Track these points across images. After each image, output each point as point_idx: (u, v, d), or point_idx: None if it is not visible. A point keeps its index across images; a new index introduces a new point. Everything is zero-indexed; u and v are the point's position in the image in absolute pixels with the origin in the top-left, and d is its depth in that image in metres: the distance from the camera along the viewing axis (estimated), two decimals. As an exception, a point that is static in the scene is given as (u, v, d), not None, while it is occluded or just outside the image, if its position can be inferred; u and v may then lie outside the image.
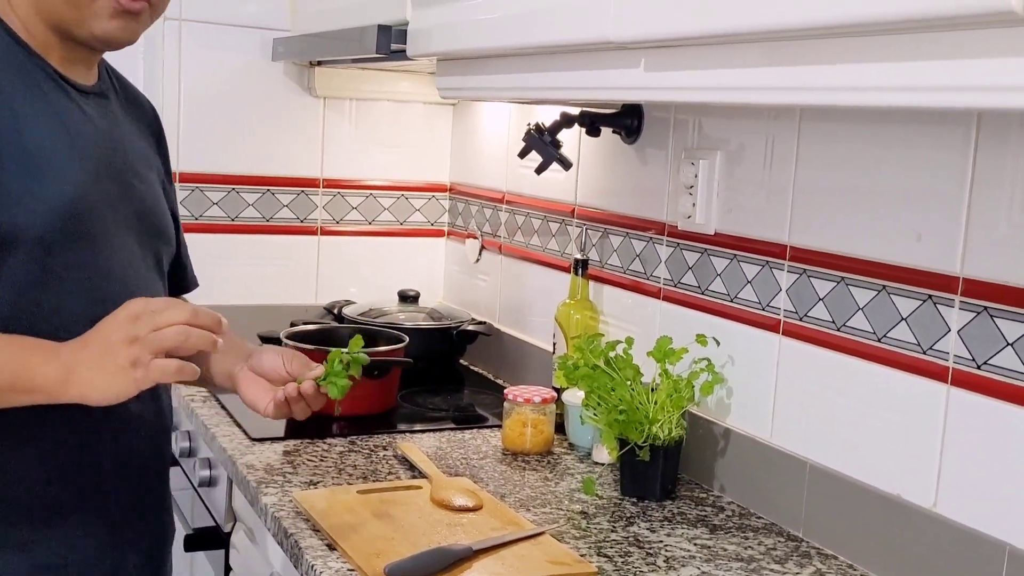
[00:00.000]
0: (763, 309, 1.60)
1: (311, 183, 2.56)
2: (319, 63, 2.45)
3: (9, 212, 1.18)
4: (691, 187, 1.72)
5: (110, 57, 1.41)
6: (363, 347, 1.39)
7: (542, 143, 1.87)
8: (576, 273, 1.95)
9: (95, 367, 1.13)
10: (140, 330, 1.13)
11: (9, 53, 1.25)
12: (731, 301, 1.67)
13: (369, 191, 2.62)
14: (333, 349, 1.38)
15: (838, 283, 1.47)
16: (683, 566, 1.38)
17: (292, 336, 2.02)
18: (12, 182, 1.19)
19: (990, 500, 1.26)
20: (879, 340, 1.40)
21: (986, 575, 1.24)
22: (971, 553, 1.26)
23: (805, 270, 1.52)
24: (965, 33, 0.86)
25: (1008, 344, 1.24)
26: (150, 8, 1.30)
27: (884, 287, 1.40)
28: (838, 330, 1.47)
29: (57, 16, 1.26)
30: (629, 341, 1.69)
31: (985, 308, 1.26)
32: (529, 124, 1.90)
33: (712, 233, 1.70)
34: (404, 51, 1.78)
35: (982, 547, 1.25)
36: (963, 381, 1.29)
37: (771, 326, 1.58)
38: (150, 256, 1.39)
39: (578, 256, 1.95)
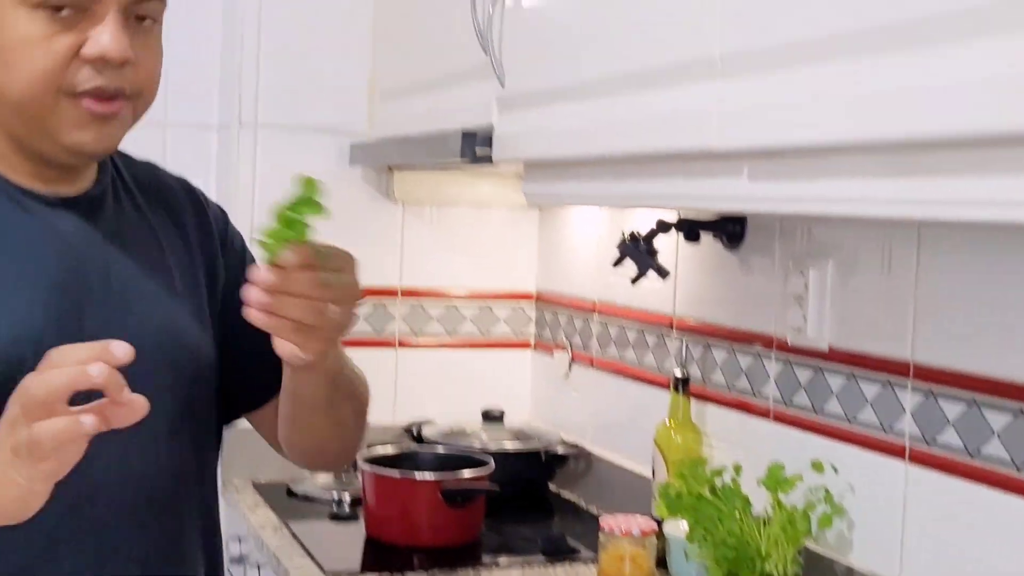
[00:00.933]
0: (885, 433, 1.58)
1: (388, 293, 2.61)
2: (398, 167, 2.52)
3: None
4: (801, 298, 1.72)
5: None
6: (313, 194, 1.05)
7: (637, 251, 1.89)
8: (676, 390, 1.94)
9: None
10: (14, 405, 0.95)
11: None
12: (849, 423, 1.64)
13: (450, 300, 2.66)
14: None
15: (969, 405, 1.44)
16: None
17: (370, 460, 2.04)
18: None
19: None
20: (1018, 470, 1.37)
21: None
22: None
23: (931, 390, 1.50)
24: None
25: None
26: (128, 103, 1.15)
27: (1021, 410, 1.37)
28: (972, 457, 1.44)
29: (16, 131, 1.14)
30: (737, 468, 1.67)
31: None
32: (623, 232, 1.92)
33: (826, 348, 1.69)
34: (490, 156, 1.82)
35: None
36: (1117, 517, 1.25)
37: (896, 452, 1.56)
38: (166, 393, 1.18)
39: (678, 372, 1.95)
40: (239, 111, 2.47)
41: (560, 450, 2.30)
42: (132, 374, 1.07)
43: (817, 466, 1.62)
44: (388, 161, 2.41)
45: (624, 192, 1.57)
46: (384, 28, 2.44)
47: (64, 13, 1.09)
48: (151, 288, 1.22)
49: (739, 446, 1.87)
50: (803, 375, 1.74)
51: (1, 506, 0.97)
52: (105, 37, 1.09)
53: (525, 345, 2.71)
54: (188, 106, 2.50)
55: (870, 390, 1.61)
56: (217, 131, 2.55)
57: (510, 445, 2.31)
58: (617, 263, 1.95)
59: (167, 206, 1.31)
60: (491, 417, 2.40)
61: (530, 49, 1.71)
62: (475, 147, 1.83)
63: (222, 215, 1.39)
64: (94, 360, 0.93)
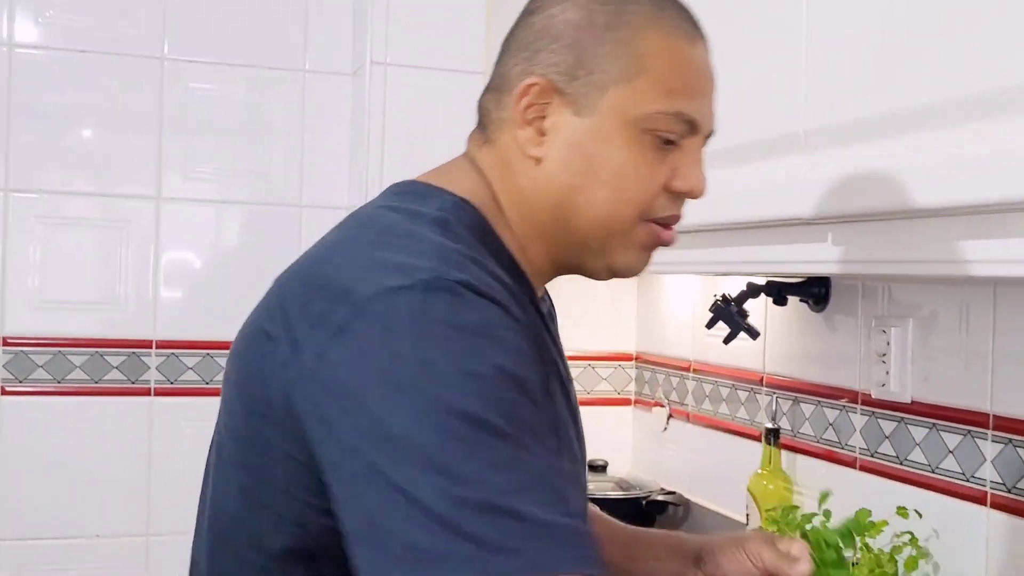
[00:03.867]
0: (967, 480, 1.58)
1: (499, 354, 2.65)
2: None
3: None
4: (884, 355, 1.73)
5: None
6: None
7: (729, 314, 1.93)
8: (768, 442, 1.96)
9: None
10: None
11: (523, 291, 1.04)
12: (932, 472, 1.65)
13: (555, 361, 2.70)
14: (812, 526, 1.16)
15: (1047, 453, 1.44)
16: None
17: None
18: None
19: None
20: (1096, 513, 1.36)
21: None
22: None
23: (1011, 440, 1.50)
24: None
25: None
26: None
27: (1097, 457, 1.37)
28: (1050, 503, 1.43)
29: (566, 244, 1.06)
30: (827, 514, 1.68)
31: None
32: (715, 295, 1.96)
33: (908, 401, 1.70)
34: (592, 228, 1.88)
35: None
36: None
37: (977, 498, 1.56)
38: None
39: (769, 425, 1.97)
40: (365, 197, 2.57)
41: (659, 497, 2.33)
42: None
43: (902, 512, 1.62)
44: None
45: (717, 259, 1.61)
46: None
47: (667, 145, 1.03)
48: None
49: (828, 494, 1.88)
50: (887, 427, 1.75)
51: None
52: (697, 173, 1.04)
53: (626, 402, 2.75)
54: (319, 190, 2.62)
55: (952, 440, 1.61)
56: (347, 213, 2.65)
57: (613, 493, 2.34)
58: (710, 325, 1.98)
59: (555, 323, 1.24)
60: (595, 467, 2.43)
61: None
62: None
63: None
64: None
